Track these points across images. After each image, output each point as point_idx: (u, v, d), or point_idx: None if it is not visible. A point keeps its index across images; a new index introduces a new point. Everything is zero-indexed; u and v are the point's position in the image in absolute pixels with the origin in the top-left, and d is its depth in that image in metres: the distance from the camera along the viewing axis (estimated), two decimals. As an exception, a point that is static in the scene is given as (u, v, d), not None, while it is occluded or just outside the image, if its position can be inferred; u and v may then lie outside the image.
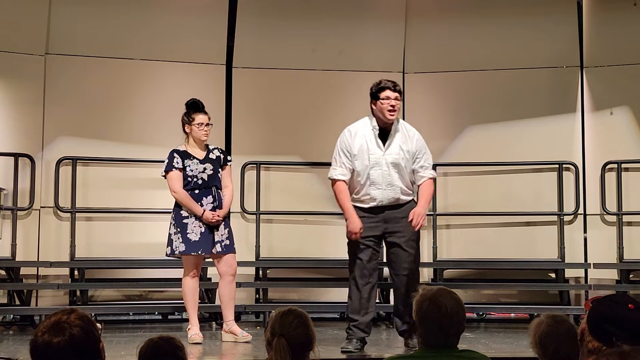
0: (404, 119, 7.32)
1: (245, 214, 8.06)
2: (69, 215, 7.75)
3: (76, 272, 7.71)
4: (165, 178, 6.27)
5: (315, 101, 8.36)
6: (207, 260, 6.58)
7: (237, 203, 7.80)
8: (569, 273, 8.07)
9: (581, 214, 8.11)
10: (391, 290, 7.75)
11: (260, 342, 5.89)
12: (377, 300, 6.11)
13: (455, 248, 8.24)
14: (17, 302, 7.52)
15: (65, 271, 7.77)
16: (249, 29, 8.32)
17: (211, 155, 6.32)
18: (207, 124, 6.31)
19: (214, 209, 6.18)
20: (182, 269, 6.35)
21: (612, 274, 7.95)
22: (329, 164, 8.12)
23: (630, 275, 7.80)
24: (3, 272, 7.55)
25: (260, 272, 7.96)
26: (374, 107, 5.76)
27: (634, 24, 8.06)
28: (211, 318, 7.62)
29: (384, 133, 5.74)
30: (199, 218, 6.14)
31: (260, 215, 8.04)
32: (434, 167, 6.38)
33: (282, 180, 8.23)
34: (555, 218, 8.09)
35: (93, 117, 7.97)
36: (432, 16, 8.46)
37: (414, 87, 8.33)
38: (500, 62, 8.32)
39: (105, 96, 8.01)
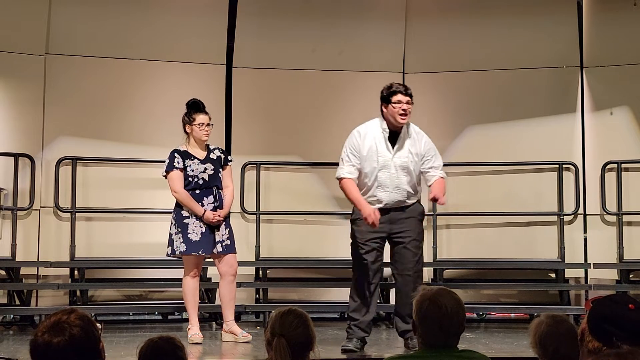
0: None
1: (245, 214, 8.06)
2: (69, 215, 7.75)
3: (76, 272, 7.71)
4: (166, 178, 6.27)
5: (315, 101, 8.36)
6: (207, 260, 6.58)
7: (237, 203, 7.80)
8: (569, 273, 8.07)
9: (581, 214, 8.11)
10: (391, 290, 7.77)
11: (260, 342, 5.89)
12: (377, 300, 6.10)
13: (455, 248, 8.24)
14: (17, 302, 7.52)
15: (65, 271, 7.78)
16: (249, 29, 8.33)
17: (212, 155, 6.32)
18: (208, 124, 6.31)
19: (214, 209, 6.18)
20: (182, 269, 6.35)
21: (612, 274, 7.95)
22: (329, 164, 8.20)
23: (630, 275, 7.81)
24: (3, 272, 7.55)
25: (260, 272, 7.96)
26: (384, 110, 5.75)
27: (634, 24, 8.06)
28: (211, 318, 7.62)
29: (394, 136, 5.75)
30: (199, 218, 6.14)
31: (260, 215, 8.04)
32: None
33: (282, 180, 8.23)
34: (555, 218, 8.09)
35: (93, 117, 7.97)
36: (432, 16, 8.46)
37: (414, 87, 8.14)
38: (501, 62, 8.32)
39: (105, 96, 8.01)
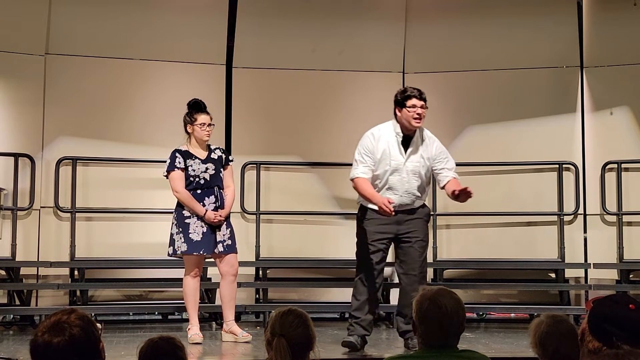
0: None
1: (245, 214, 8.06)
2: (69, 215, 7.75)
3: (76, 272, 7.71)
4: (167, 178, 6.28)
5: (315, 101, 8.36)
6: (207, 260, 6.58)
7: (237, 203, 7.79)
8: (569, 273, 8.07)
9: (581, 214, 8.11)
10: (391, 290, 7.78)
11: (260, 342, 5.89)
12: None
13: (455, 248, 8.24)
14: (17, 302, 7.52)
15: (65, 271, 7.77)
16: (249, 29, 8.32)
17: (213, 155, 6.33)
18: (209, 124, 6.31)
19: (216, 209, 6.19)
20: (182, 269, 6.35)
21: (612, 274, 7.95)
22: (329, 164, 8.22)
23: (630, 275, 7.81)
24: (3, 272, 7.55)
25: (260, 272, 7.97)
26: (398, 113, 5.77)
27: (634, 24, 8.06)
28: (211, 318, 7.62)
29: (406, 140, 5.78)
30: (201, 218, 6.14)
31: (260, 215, 8.04)
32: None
33: (282, 180, 8.23)
34: (555, 218, 8.09)
35: (93, 117, 7.97)
36: (432, 16, 8.46)
37: (414, 87, 8.32)
38: (501, 62, 8.32)
39: (105, 96, 8.01)
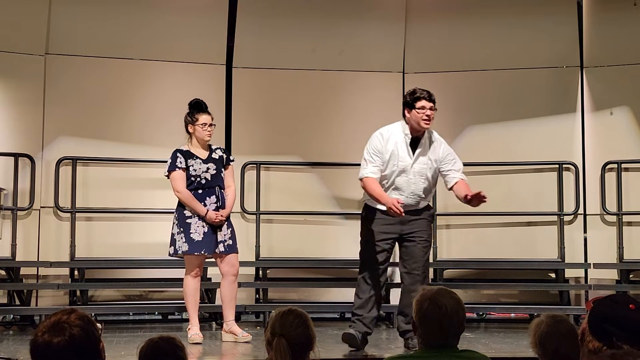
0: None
1: (245, 214, 8.06)
2: (69, 215, 7.75)
3: (76, 272, 7.71)
4: (169, 178, 6.28)
5: (315, 101, 8.36)
6: (207, 260, 6.57)
7: (237, 203, 7.78)
8: (569, 273, 8.07)
9: (581, 214, 8.11)
10: (391, 290, 7.78)
11: (260, 342, 5.89)
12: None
13: (455, 248, 8.24)
14: (17, 302, 7.52)
15: (65, 271, 7.77)
16: (249, 29, 8.32)
17: (214, 155, 6.33)
18: (211, 124, 6.32)
19: (217, 209, 6.19)
20: (182, 269, 6.35)
21: (612, 274, 7.95)
22: (329, 164, 8.22)
23: (630, 275, 7.81)
24: (3, 272, 7.55)
25: (260, 272, 7.96)
26: (407, 114, 5.78)
27: (634, 24, 8.06)
28: (211, 318, 7.62)
29: (415, 141, 5.80)
30: (202, 218, 6.14)
31: (260, 215, 8.04)
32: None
33: (282, 180, 8.23)
34: (555, 218, 8.09)
35: (93, 117, 7.97)
36: (432, 16, 8.46)
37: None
38: (501, 62, 8.32)
39: (105, 96, 8.01)
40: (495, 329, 7.49)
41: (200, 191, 6.21)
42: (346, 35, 8.38)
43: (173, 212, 6.33)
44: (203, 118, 6.28)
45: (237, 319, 6.82)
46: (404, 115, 5.82)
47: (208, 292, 7.66)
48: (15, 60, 7.79)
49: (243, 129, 8.25)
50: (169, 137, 7.37)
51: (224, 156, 6.40)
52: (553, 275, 8.11)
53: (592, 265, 7.94)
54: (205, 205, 6.17)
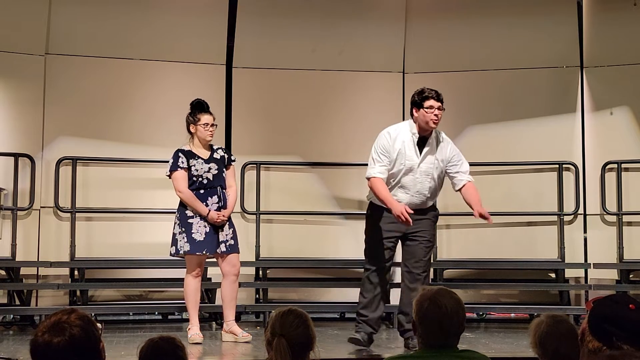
0: (404, 118, 7.31)
1: (245, 214, 8.06)
2: (69, 215, 7.75)
3: (76, 272, 7.71)
4: (170, 178, 6.28)
5: (315, 101, 8.36)
6: (208, 260, 6.57)
7: (238, 203, 7.77)
8: (569, 273, 8.07)
9: (581, 214, 8.11)
10: (391, 290, 7.77)
11: (260, 342, 5.89)
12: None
13: (455, 248, 8.24)
14: (17, 302, 7.52)
15: (65, 271, 7.77)
16: (249, 29, 8.32)
17: (215, 155, 6.33)
18: (213, 124, 6.32)
19: (218, 209, 6.20)
20: (182, 269, 6.35)
21: (612, 274, 7.95)
22: (329, 164, 8.22)
23: (630, 275, 7.81)
24: (3, 272, 7.55)
25: (260, 272, 7.96)
26: (415, 114, 5.80)
27: (634, 24, 8.06)
28: (211, 318, 7.62)
29: (422, 140, 5.80)
30: (203, 218, 6.15)
31: (260, 215, 8.04)
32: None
33: (282, 180, 8.23)
34: (555, 218, 8.09)
35: (93, 117, 7.97)
36: (432, 16, 8.46)
37: (414, 87, 8.20)
38: (501, 62, 8.32)
39: (105, 96, 8.01)
40: (495, 329, 7.49)
41: (202, 191, 6.21)
42: (346, 35, 8.38)
43: (173, 212, 6.33)
44: (205, 118, 6.29)
45: (237, 319, 6.82)
46: (411, 115, 5.83)
47: (208, 292, 7.66)
48: (15, 60, 7.79)
49: (243, 129, 8.25)
50: (169, 137, 7.37)
51: (226, 156, 6.40)
52: (553, 275, 8.11)
53: (592, 265, 7.94)
54: (207, 205, 6.17)
